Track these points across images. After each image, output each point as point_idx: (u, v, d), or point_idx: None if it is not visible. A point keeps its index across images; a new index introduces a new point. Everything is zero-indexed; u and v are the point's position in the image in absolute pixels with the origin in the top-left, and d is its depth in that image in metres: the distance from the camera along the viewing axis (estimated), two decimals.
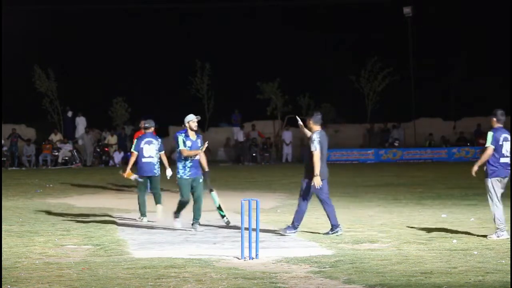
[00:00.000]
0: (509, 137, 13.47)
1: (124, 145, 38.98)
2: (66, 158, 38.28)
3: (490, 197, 13.40)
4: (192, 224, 14.62)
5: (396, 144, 42.11)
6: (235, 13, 52.26)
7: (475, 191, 22.25)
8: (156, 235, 14.13)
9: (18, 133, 39.12)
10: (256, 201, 11.70)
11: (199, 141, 14.60)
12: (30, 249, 12.38)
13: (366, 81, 44.30)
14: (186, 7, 51.68)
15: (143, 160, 16.51)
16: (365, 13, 52.23)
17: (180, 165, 14.49)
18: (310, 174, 13.74)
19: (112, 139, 39.58)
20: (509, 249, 11.90)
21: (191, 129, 14.52)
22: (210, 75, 43.39)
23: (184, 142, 14.42)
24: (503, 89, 45.98)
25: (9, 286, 9.54)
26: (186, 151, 14.39)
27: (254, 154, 40.14)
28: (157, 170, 16.60)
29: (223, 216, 15.04)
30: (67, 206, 19.64)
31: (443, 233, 13.94)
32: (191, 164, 14.47)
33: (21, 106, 44.60)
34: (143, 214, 16.60)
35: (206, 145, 14.60)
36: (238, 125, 42.15)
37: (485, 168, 13.44)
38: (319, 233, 14.14)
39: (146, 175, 16.61)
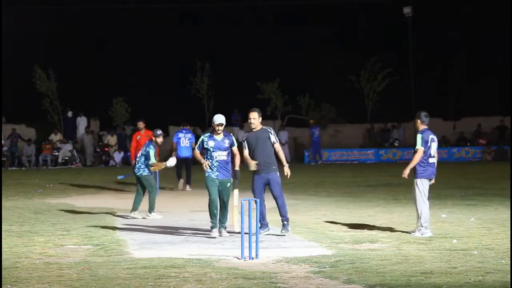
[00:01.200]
0: (435, 138, 14.07)
1: (124, 145, 38.96)
2: (66, 158, 38.28)
3: (418, 196, 13.83)
4: (218, 229, 13.87)
5: (396, 144, 42.09)
6: (235, 13, 52.27)
7: (475, 191, 22.28)
8: (156, 235, 14.13)
9: (18, 133, 39.12)
10: (256, 201, 11.70)
11: (226, 141, 13.79)
12: (30, 249, 12.38)
13: (366, 81, 44.28)
14: (186, 7, 51.67)
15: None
16: (365, 13, 52.23)
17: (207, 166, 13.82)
18: (276, 167, 14.18)
19: (112, 139, 39.58)
20: (509, 249, 11.90)
21: (216, 132, 13.78)
22: (210, 75, 43.38)
23: (203, 142, 13.76)
24: (503, 89, 45.99)
25: (9, 286, 9.54)
26: (197, 154, 13.88)
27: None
28: (137, 170, 17.29)
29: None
30: (67, 206, 19.63)
31: (443, 233, 13.94)
32: (217, 164, 13.72)
33: (21, 106, 44.58)
34: (134, 209, 17.18)
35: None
36: (238, 125, 42.14)
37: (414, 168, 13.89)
38: (318, 233, 14.15)
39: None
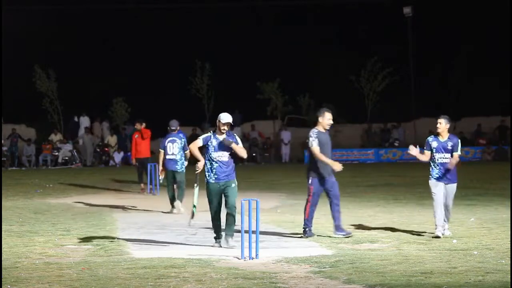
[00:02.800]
0: None
1: (124, 145, 38.99)
2: (66, 158, 38.28)
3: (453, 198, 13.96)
4: (225, 238, 12.66)
5: (396, 144, 42.09)
6: (235, 13, 52.27)
7: (475, 191, 22.27)
8: (156, 235, 14.12)
9: (18, 133, 39.12)
10: (256, 201, 11.69)
11: (229, 140, 12.60)
12: (30, 249, 12.38)
13: (366, 81, 44.29)
14: (186, 7, 51.68)
15: (167, 157, 18.54)
16: (365, 13, 52.22)
17: (205, 168, 12.66)
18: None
19: (112, 139, 39.58)
20: (509, 249, 11.90)
21: (220, 131, 12.65)
22: (210, 75, 43.38)
23: (209, 138, 12.61)
24: (503, 89, 45.98)
25: (9, 286, 9.54)
26: (192, 146, 12.73)
27: (254, 154, 40.13)
28: (179, 166, 18.43)
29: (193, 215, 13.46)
30: (67, 206, 19.63)
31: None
32: (217, 165, 12.52)
33: (21, 106, 44.58)
34: (173, 206, 18.33)
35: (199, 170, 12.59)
36: (237, 125, 42.15)
37: (451, 172, 13.76)
38: (318, 233, 14.15)
39: (170, 170, 18.46)
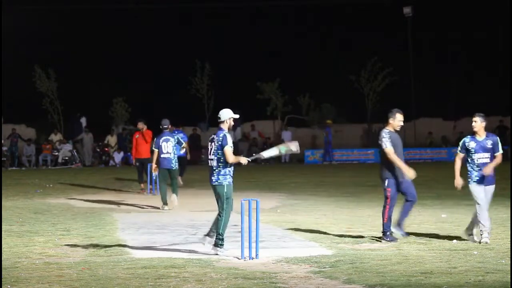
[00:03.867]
0: None
1: (124, 145, 38.98)
2: (66, 158, 38.27)
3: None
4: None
5: None
6: (235, 13, 52.30)
7: None
8: (156, 235, 14.12)
9: (18, 133, 39.11)
10: (256, 201, 11.67)
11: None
12: (30, 249, 12.38)
13: (366, 81, 44.30)
14: (186, 7, 51.70)
15: (162, 156, 19.12)
16: (365, 13, 52.26)
17: (225, 171, 11.83)
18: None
19: (112, 139, 39.57)
20: (509, 249, 11.91)
21: (229, 128, 12.12)
22: (210, 75, 43.39)
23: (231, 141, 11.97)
24: (503, 89, 46.03)
25: (9, 286, 9.54)
26: (231, 157, 11.79)
27: (254, 154, 40.10)
28: (174, 164, 19.10)
29: None
30: (67, 206, 19.63)
31: (443, 233, 13.93)
32: (232, 167, 11.94)
33: (21, 106, 44.58)
34: (164, 203, 18.80)
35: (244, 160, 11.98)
36: (238, 125, 42.11)
37: (492, 172, 13.41)
38: (318, 233, 14.15)
39: (165, 168, 19.08)
